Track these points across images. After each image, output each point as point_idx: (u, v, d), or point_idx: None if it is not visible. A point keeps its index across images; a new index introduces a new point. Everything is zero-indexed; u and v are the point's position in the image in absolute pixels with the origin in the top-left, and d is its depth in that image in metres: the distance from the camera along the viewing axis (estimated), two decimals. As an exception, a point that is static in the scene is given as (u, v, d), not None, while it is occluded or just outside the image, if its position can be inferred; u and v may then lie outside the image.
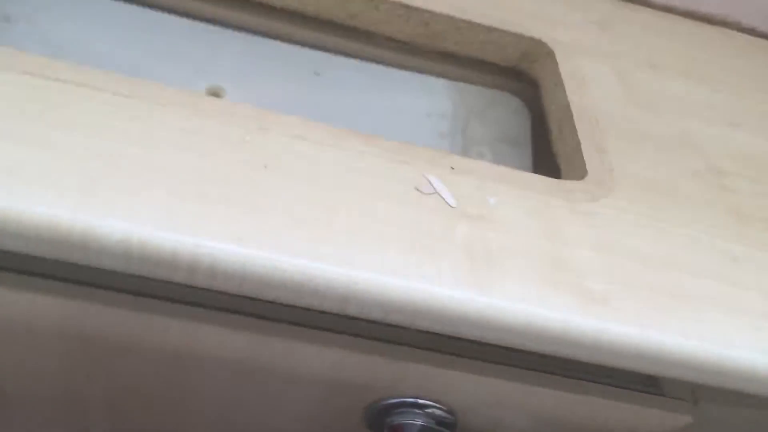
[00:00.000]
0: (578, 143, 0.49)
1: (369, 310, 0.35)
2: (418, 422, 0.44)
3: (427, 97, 0.58)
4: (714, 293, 0.41)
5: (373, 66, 0.58)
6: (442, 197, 0.40)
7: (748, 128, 0.57)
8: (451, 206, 0.40)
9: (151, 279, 0.34)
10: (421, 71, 0.59)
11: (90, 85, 0.38)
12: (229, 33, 0.56)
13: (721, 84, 0.61)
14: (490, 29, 0.57)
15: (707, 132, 0.55)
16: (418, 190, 0.40)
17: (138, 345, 0.40)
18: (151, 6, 0.54)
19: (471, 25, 0.57)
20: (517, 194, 0.43)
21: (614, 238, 0.42)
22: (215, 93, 0.50)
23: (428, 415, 0.45)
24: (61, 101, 0.37)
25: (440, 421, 0.45)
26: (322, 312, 0.36)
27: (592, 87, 0.54)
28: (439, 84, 0.59)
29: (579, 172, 0.48)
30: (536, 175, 0.45)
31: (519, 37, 0.58)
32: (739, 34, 0.69)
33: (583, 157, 0.48)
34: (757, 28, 0.69)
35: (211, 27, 0.56)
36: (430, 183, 0.41)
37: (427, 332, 0.37)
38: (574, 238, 0.41)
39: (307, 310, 0.36)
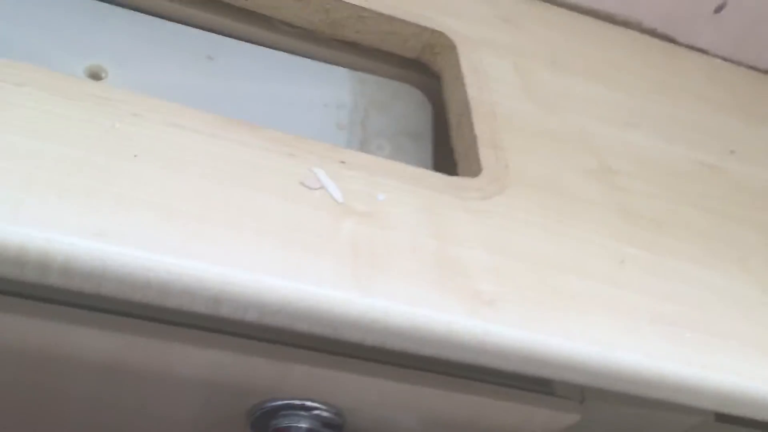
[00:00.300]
0: (475, 139, 0.48)
1: (244, 312, 0.33)
2: (304, 425, 0.43)
3: (326, 87, 0.56)
4: (601, 295, 0.41)
5: (271, 52, 0.56)
6: (328, 192, 0.39)
7: (643, 129, 0.58)
8: (337, 202, 0.38)
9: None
10: (320, 59, 0.57)
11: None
12: (115, 10, 0.52)
13: (620, 84, 0.61)
14: (392, 19, 0.56)
15: (603, 131, 0.55)
16: (303, 184, 0.38)
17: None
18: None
19: (373, 15, 0.55)
20: (408, 191, 0.41)
21: (505, 238, 0.41)
22: (95, 74, 0.46)
23: (314, 416, 0.43)
24: None
25: (327, 423, 0.43)
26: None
27: (493, 82, 0.54)
28: (339, 73, 0.57)
29: (475, 168, 0.47)
30: (429, 171, 0.44)
31: (422, 29, 0.56)
32: (640, 34, 0.70)
33: (479, 153, 0.47)
34: (657, 29, 0.71)
35: (96, 3, 0.52)
36: (317, 177, 0.39)
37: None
38: (463, 238, 0.40)
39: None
